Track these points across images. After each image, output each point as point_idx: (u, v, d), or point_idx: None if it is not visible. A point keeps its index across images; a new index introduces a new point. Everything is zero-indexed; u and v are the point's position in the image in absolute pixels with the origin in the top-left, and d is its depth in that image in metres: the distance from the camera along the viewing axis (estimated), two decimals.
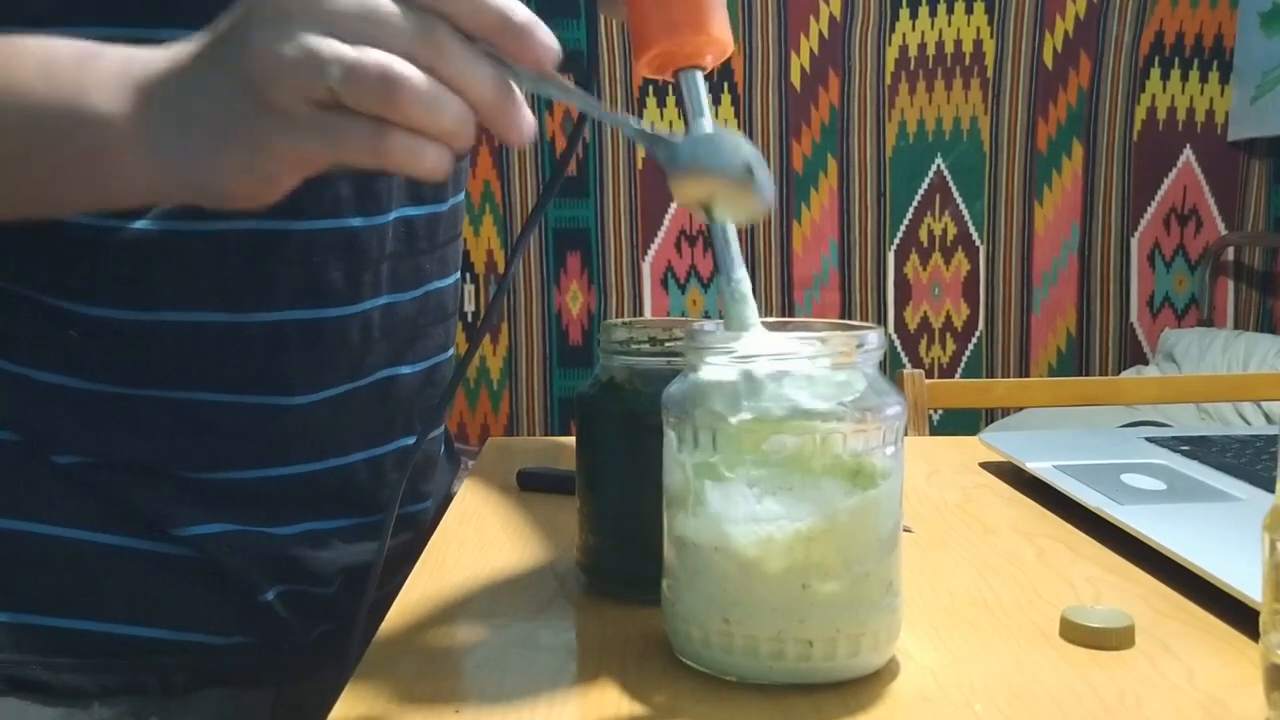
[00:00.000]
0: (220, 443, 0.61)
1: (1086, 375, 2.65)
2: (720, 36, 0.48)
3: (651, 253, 2.72)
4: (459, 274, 0.75)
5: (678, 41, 0.48)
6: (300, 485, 0.63)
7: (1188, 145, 2.65)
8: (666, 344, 0.54)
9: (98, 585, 0.59)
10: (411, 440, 0.69)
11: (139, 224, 0.57)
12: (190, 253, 0.58)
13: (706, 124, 0.47)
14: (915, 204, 2.68)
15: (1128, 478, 0.72)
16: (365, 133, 0.40)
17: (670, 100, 2.67)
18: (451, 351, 0.75)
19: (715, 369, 0.46)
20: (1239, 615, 0.51)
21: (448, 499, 0.76)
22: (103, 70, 0.46)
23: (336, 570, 0.65)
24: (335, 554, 0.65)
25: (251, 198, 0.44)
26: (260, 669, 0.64)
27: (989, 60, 2.64)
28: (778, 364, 0.45)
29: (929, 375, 1.38)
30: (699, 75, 0.48)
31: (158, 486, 0.59)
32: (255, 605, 0.62)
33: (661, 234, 2.71)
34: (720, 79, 2.63)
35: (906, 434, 0.47)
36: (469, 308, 2.79)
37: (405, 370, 0.68)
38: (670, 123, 2.67)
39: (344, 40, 0.39)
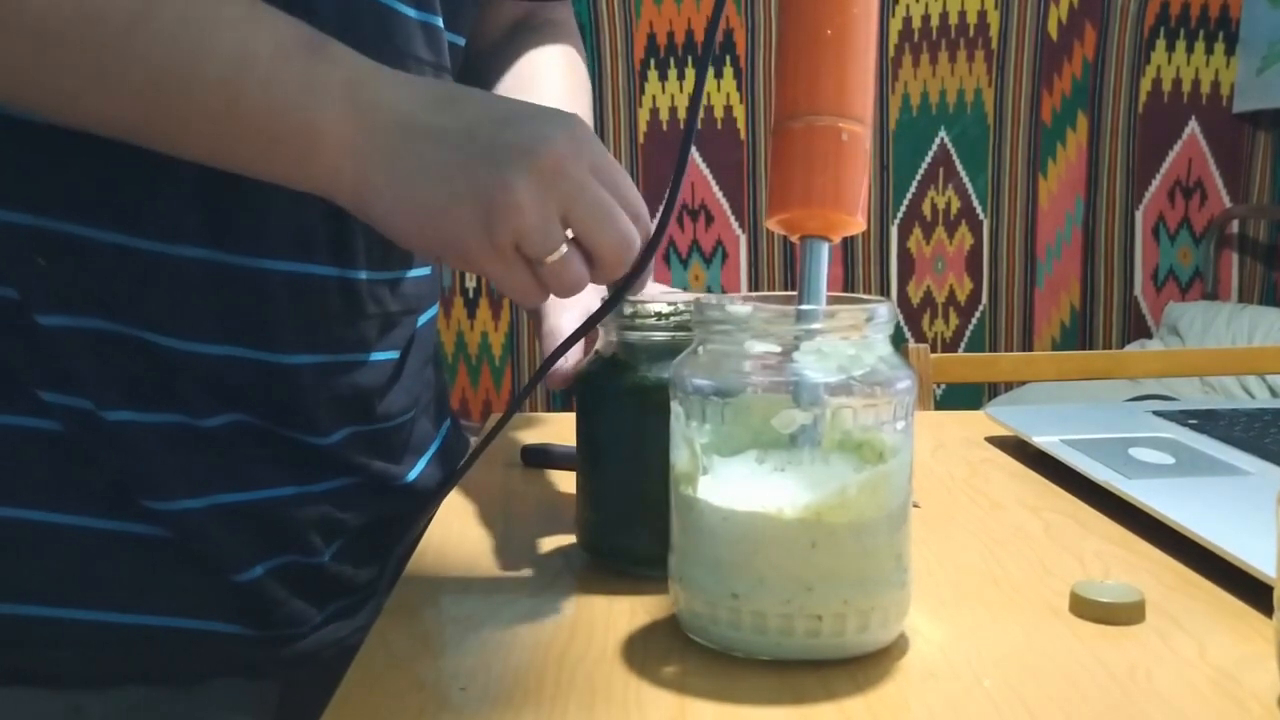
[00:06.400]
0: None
1: (1090, 349, 2.65)
2: (853, 218, 0.48)
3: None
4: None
5: (812, 212, 0.48)
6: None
7: (1193, 117, 2.64)
8: (670, 318, 0.53)
9: (90, 573, 0.57)
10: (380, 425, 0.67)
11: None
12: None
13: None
14: (918, 177, 2.66)
15: (1136, 451, 0.71)
16: (533, 286, 0.50)
17: (671, 74, 2.65)
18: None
19: (722, 343, 0.45)
20: (1250, 590, 0.50)
21: (450, 476, 0.75)
22: (330, 77, 0.49)
23: (322, 535, 0.63)
24: (321, 519, 0.63)
25: (406, 238, 0.51)
26: (265, 659, 0.62)
27: (993, 32, 2.62)
28: (787, 338, 0.44)
29: (932, 350, 1.38)
30: (825, 248, 0.48)
31: (136, 448, 0.57)
32: (246, 586, 0.60)
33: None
34: (723, 52, 2.61)
35: None
36: (470, 284, 2.78)
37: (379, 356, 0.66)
38: (672, 95, 2.66)
39: (570, 213, 0.48)
